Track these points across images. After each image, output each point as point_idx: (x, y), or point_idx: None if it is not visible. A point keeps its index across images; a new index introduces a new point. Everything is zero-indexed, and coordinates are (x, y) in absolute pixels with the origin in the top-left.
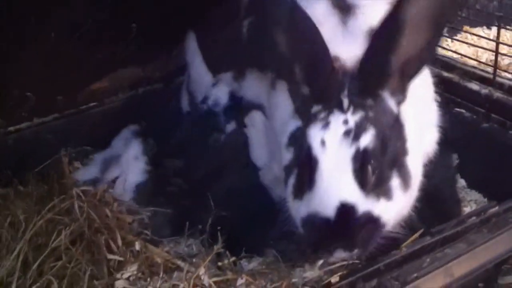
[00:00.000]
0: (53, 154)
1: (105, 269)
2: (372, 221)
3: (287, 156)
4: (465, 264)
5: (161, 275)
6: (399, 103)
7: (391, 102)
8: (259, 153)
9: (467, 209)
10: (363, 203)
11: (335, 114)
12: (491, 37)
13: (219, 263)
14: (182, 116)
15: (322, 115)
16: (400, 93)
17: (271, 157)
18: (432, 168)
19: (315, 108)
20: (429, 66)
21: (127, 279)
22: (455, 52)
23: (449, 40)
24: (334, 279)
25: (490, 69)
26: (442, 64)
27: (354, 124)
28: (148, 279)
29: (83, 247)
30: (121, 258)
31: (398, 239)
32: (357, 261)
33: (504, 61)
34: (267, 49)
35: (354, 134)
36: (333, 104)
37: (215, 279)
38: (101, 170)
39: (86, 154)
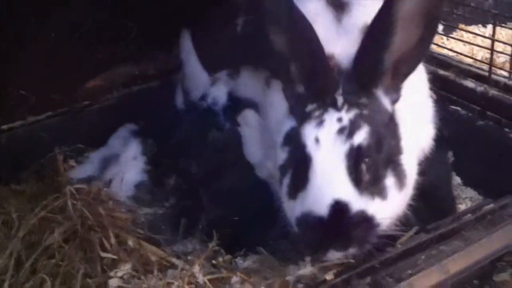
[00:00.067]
0: (47, 152)
1: (99, 267)
2: (366, 220)
3: (282, 155)
4: (460, 261)
5: (155, 273)
6: (393, 101)
7: (385, 101)
8: (253, 152)
9: (462, 207)
10: (357, 202)
11: (329, 112)
12: (487, 35)
13: (214, 261)
14: (179, 114)
15: (317, 113)
16: (394, 91)
17: (265, 155)
18: (428, 165)
19: (310, 107)
20: (424, 64)
21: (121, 277)
22: (450, 50)
23: (444, 38)
24: (329, 276)
25: (485, 67)
26: (437, 62)
27: (348, 122)
28: (142, 277)
29: (77, 245)
30: (114, 256)
31: (393, 237)
32: (351, 260)
33: (499, 59)
34: (261, 48)
35: (348, 131)
36: (327, 103)
37: (209, 277)
38: (99, 168)
39: (81, 152)
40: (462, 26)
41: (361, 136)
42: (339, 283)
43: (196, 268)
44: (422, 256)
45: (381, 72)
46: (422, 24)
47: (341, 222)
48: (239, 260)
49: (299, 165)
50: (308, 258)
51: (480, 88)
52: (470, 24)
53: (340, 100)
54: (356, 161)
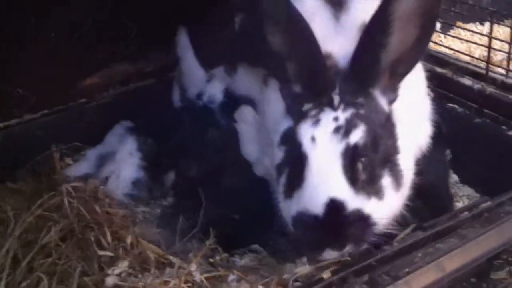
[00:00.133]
0: (43, 150)
1: (96, 265)
2: (362, 219)
3: (279, 155)
4: (456, 259)
5: (152, 271)
6: (390, 101)
7: (382, 101)
8: (250, 149)
9: (459, 204)
10: (353, 200)
11: (325, 112)
12: (484, 33)
13: (211, 259)
14: (176, 111)
15: (313, 112)
16: (392, 91)
17: (262, 153)
18: (426, 164)
19: (306, 106)
20: (421, 62)
21: (118, 275)
22: (448, 47)
23: (442, 35)
24: (326, 274)
25: (483, 65)
26: (435, 60)
27: (344, 121)
28: (140, 275)
29: (74, 244)
30: (112, 254)
31: (390, 235)
32: (348, 258)
33: (497, 57)
34: (258, 46)
35: (345, 130)
36: (323, 102)
37: (206, 275)
38: (95, 166)
39: (77, 150)
40: (459, 23)
41: (357, 135)
42: (336, 281)
43: (193, 267)
44: (419, 254)
45: (378, 72)
46: (420, 24)
47: (337, 221)
48: (236, 258)
49: (295, 164)
50: (304, 257)
51: (478, 86)
52: (467, 22)
53: (336, 99)
54: (352, 160)
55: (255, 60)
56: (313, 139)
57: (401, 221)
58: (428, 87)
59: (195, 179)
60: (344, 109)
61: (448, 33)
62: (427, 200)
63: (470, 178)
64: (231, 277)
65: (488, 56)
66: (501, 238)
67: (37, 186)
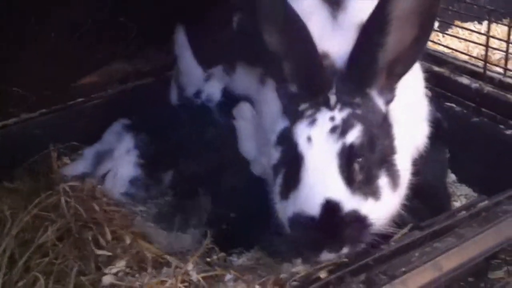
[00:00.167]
0: (41, 150)
1: (93, 264)
2: (358, 219)
3: (276, 155)
4: (453, 258)
5: (149, 270)
6: (387, 102)
7: (379, 101)
8: (248, 146)
9: (457, 204)
10: (349, 201)
11: (321, 111)
12: (483, 32)
13: (208, 259)
14: (173, 109)
15: (309, 112)
16: (389, 91)
17: (260, 151)
18: (424, 163)
19: (302, 106)
20: (419, 61)
21: (115, 274)
22: (446, 46)
23: (440, 34)
24: (323, 274)
25: (481, 64)
26: (432, 59)
27: (341, 121)
28: (137, 275)
29: (71, 243)
30: (109, 253)
31: (387, 235)
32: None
33: (495, 56)
34: (255, 46)
35: (341, 130)
36: (320, 102)
37: (203, 274)
38: (93, 164)
39: (75, 149)
40: (458, 22)
41: (354, 135)
42: (333, 281)
43: (190, 266)
44: (416, 254)
45: (375, 72)
46: (418, 24)
47: (333, 222)
48: (233, 258)
49: (291, 165)
50: (301, 259)
51: (475, 84)
52: (466, 21)
53: (333, 99)
54: (348, 160)
55: (252, 60)
56: (309, 139)
57: (398, 221)
58: (426, 86)
59: (193, 177)
60: (341, 109)
61: (446, 32)
62: (425, 199)
63: (467, 177)
64: (228, 276)
65: (486, 55)
66: (498, 237)
67: (34, 185)
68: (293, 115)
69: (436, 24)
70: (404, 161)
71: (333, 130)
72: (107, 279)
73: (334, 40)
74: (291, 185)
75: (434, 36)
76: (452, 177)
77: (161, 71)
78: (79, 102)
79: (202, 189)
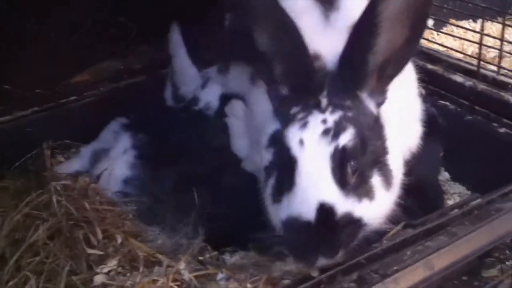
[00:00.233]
0: (33, 148)
1: (84, 264)
2: (352, 222)
3: (267, 157)
4: (445, 257)
5: (140, 269)
6: (378, 104)
7: (370, 104)
8: (239, 143)
9: (450, 202)
10: (343, 204)
11: (313, 114)
12: (477, 30)
13: (201, 258)
14: (168, 109)
15: (301, 115)
16: (380, 94)
17: (252, 149)
18: (417, 163)
19: (294, 109)
20: (413, 59)
21: (107, 273)
22: (440, 44)
23: (435, 32)
24: (314, 272)
25: (475, 62)
26: (426, 56)
27: (333, 123)
28: (128, 274)
29: (62, 242)
30: (101, 252)
31: (381, 233)
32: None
33: (489, 54)
34: (247, 46)
35: (333, 132)
36: (311, 104)
37: (195, 273)
38: (90, 163)
39: (67, 147)
40: (452, 20)
41: (346, 138)
42: (325, 279)
43: (182, 265)
44: (408, 252)
45: (365, 74)
46: (409, 25)
47: (328, 227)
48: (226, 256)
49: (284, 168)
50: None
51: (469, 82)
52: (460, 19)
53: (324, 101)
54: (341, 162)
55: (244, 59)
56: (301, 142)
57: (393, 220)
58: (420, 85)
59: (188, 177)
60: (332, 112)
61: (441, 30)
62: (418, 198)
63: (461, 175)
64: (220, 275)
65: (479, 53)
66: (491, 236)
67: (25, 184)
68: (285, 118)
69: (431, 22)
70: (396, 161)
71: (325, 132)
72: (98, 279)
73: (326, 40)
74: (284, 188)
75: (428, 34)
76: (445, 175)
77: (153, 69)
78: (71, 100)
79: (196, 188)
